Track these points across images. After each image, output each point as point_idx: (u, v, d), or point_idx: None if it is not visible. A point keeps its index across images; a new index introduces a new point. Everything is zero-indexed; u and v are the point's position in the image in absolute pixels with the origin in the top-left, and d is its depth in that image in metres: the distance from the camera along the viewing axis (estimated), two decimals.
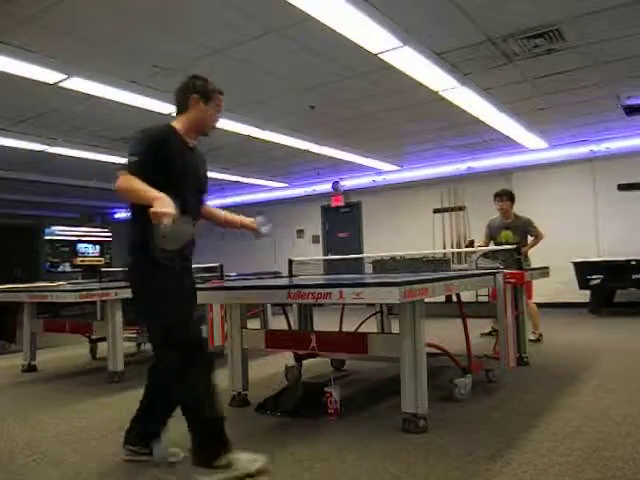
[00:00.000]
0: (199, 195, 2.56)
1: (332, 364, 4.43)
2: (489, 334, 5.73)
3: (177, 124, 2.42)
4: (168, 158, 2.26)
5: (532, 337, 5.35)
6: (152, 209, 1.94)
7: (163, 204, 1.95)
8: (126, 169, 2.14)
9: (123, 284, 4.13)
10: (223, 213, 2.87)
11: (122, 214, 14.40)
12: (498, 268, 4.08)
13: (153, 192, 2.02)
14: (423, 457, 2.36)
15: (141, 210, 2.03)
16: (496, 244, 5.56)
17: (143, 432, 2.46)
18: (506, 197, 5.61)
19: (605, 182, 8.34)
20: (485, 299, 5.97)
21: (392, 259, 5.26)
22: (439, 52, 4.59)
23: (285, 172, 10.11)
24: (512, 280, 3.76)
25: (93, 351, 5.48)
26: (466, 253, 7.11)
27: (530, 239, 5.58)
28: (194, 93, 2.41)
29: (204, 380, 2.24)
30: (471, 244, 6.51)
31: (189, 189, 2.39)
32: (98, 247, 13.41)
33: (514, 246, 4.61)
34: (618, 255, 7.56)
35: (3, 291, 5.15)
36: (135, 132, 2.29)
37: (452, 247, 9.74)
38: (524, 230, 5.53)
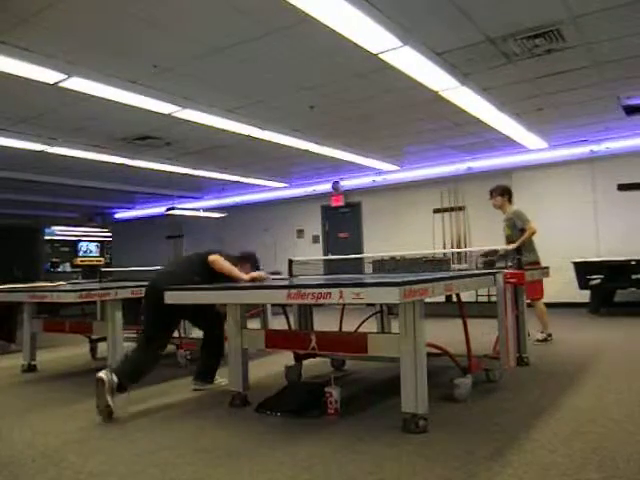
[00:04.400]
0: None
1: (332, 364, 4.43)
2: (544, 340, 5.56)
3: None
4: None
5: (540, 337, 5.31)
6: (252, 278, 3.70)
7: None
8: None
9: (123, 284, 4.14)
10: None
11: (122, 214, 14.42)
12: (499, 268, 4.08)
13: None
14: (423, 457, 2.36)
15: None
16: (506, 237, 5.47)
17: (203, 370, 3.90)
18: (495, 193, 5.54)
19: (605, 182, 8.34)
20: (485, 299, 5.97)
21: (392, 259, 5.26)
22: (439, 52, 4.59)
23: (285, 172, 10.11)
24: (512, 280, 3.76)
25: (93, 351, 5.49)
26: (465, 253, 7.11)
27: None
28: None
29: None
30: (489, 259, 6.16)
31: None
32: (98, 247, 13.41)
33: (513, 246, 4.61)
34: (618, 255, 7.57)
35: (3, 291, 5.15)
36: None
37: (452, 247, 9.74)
38: (513, 223, 5.40)
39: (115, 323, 4.21)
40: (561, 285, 7.83)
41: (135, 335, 5.45)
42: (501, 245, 5.50)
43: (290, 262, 4.84)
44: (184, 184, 10.73)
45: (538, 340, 5.28)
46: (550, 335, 5.37)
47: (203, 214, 11.79)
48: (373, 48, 4.28)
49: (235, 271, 3.65)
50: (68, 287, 4.88)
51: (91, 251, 13.27)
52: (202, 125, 6.35)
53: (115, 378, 3.18)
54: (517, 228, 5.32)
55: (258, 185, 11.01)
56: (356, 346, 3.00)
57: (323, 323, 4.15)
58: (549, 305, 5.63)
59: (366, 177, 10.36)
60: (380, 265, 4.89)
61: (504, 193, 5.56)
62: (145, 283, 3.81)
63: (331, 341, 3.22)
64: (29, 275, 10.61)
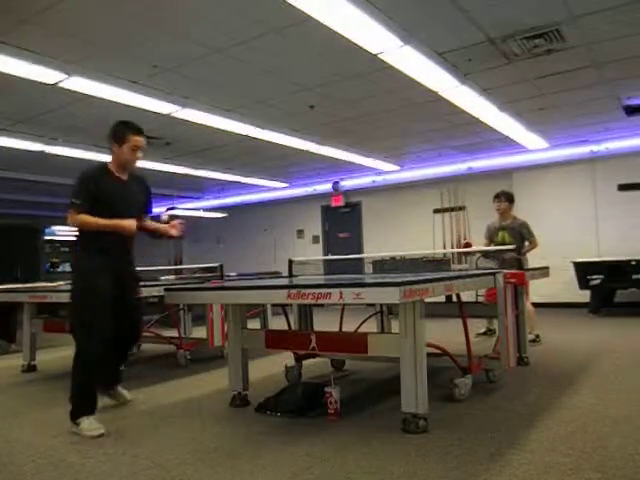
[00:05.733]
0: (132, 216, 3.13)
1: (332, 364, 4.43)
2: (484, 334, 5.74)
3: (110, 162, 3.15)
4: (98, 192, 3.00)
5: (528, 338, 5.32)
6: (124, 229, 3.00)
7: (129, 225, 3.00)
8: (73, 209, 2.95)
9: None
10: (150, 223, 3.41)
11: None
12: (493, 268, 4.08)
13: (114, 221, 2.97)
14: (423, 457, 2.36)
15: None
16: (495, 244, 5.54)
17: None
18: (504, 198, 5.61)
19: (605, 182, 8.34)
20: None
21: (392, 259, 5.27)
22: (439, 52, 4.59)
23: (285, 172, 10.11)
24: (512, 280, 3.76)
25: None
26: (465, 254, 7.12)
27: (527, 244, 5.52)
28: (112, 138, 3.11)
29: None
30: (467, 246, 6.48)
31: (122, 213, 3.05)
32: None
33: (513, 247, 4.61)
34: (618, 255, 7.57)
35: (3, 291, 5.15)
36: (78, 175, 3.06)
37: (452, 247, 9.74)
38: (520, 232, 5.48)
39: None
40: (561, 285, 7.84)
41: None
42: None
43: (290, 262, 4.84)
44: (184, 184, 10.73)
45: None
46: (538, 336, 5.37)
47: (203, 214, 11.79)
48: (373, 48, 4.28)
49: (100, 221, 2.97)
50: (68, 287, 4.87)
51: None
52: (202, 125, 6.35)
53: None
54: (519, 238, 5.42)
55: (258, 185, 11.01)
56: (356, 346, 3.00)
57: (323, 323, 4.15)
58: (549, 305, 5.64)
59: (366, 177, 10.35)
60: (380, 265, 4.90)
61: (511, 200, 5.66)
62: (145, 283, 3.81)
63: (331, 341, 3.22)
64: (29, 275, 10.61)
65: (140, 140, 3.10)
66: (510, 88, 5.62)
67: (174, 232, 3.33)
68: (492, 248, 5.37)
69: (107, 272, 3.02)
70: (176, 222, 3.36)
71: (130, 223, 2.98)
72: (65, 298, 4.16)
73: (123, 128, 3.10)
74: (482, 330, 5.75)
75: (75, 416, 2.91)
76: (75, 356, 2.96)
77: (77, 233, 3.11)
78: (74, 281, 3.15)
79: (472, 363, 3.41)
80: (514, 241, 5.36)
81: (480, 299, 5.95)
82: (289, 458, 2.43)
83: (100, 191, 3.00)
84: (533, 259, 5.54)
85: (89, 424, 2.89)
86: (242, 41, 4.26)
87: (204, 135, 6.94)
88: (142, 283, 3.60)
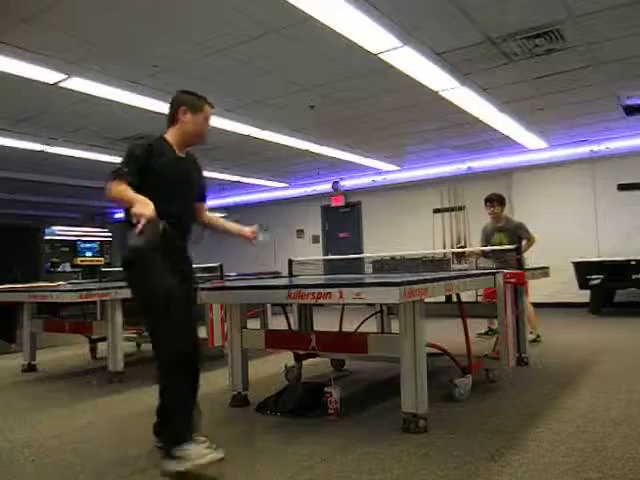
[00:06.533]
0: (191, 201, 2.67)
1: (332, 364, 4.43)
2: (486, 334, 5.74)
3: (168, 135, 2.59)
4: (155, 166, 2.42)
5: (529, 338, 5.33)
6: (132, 209, 2.13)
7: (142, 206, 2.13)
8: (116, 177, 2.32)
9: (123, 284, 4.11)
10: (221, 221, 3.02)
11: (122, 214, 14.40)
12: (492, 267, 4.08)
13: (136, 197, 2.20)
14: (423, 457, 2.36)
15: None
16: (491, 245, 5.57)
17: None
18: (497, 202, 5.67)
19: (605, 182, 8.34)
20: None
21: (392, 259, 5.26)
22: (439, 52, 4.59)
23: (285, 172, 10.11)
24: (512, 280, 3.76)
25: (93, 351, 5.48)
26: (462, 254, 7.13)
27: (524, 242, 5.57)
28: (184, 105, 2.56)
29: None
30: (462, 248, 6.47)
31: (178, 196, 2.52)
32: (98, 247, 13.40)
33: (513, 247, 4.61)
34: (618, 255, 7.57)
35: (3, 291, 5.15)
36: (132, 138, 2.43)
37: (452, 247, 9.73)
38: (516, 233, 5.51)
39: (115, 323, 4.21)
40: (561, 285, 7.83)
41: (135, 335, 5.46)
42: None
43: (290, 262, 4.83)
44: None
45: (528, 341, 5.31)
46: (539, 336, 5.40)
47: None
48: (373, 48, 4.28)
49: (129, 196, 2.25)
50: (68, 287, 4.88)
51: (91, 251, 13.26)
52: None
53: None
54: (516, 239, 5.42)
55: (258, 185, 11.00)
56: (356, 346, 3.00)
57: (323, 323, 4.15)
58: (549, 305, 5.64)
59: (366, 177, 10.35)
60: (380, 265, 4.89)
61: (503, 202, 5.69)
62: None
63: (331, 341, 3.22)
64: (29, 275, 10.60)
65: (210, 113, 2.64)
66: (510, 88, 5.62)
67: (251, 234, 2.90)
68: (492, 248, 5.38)
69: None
70: (251, 228, 2.94)
71: (145, 202, 2.15)
72: (65, 298, 4.19)
73: (197, 97, 2.59)
74: (483, 330, 5.75)
75: (177, 443, 2.19)
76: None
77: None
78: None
79: (472, 363, 3.41)
80: (511, 242, 5.38)
81: (480, 299, 5.95)
82: (289, 458, 2.44)
83: (157, 164, 2.43)
84: (533, 259, 5.54)
85: (199, 449, 2.21)
86: (242, 41, 4.26)
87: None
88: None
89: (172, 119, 2.59)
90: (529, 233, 5.54)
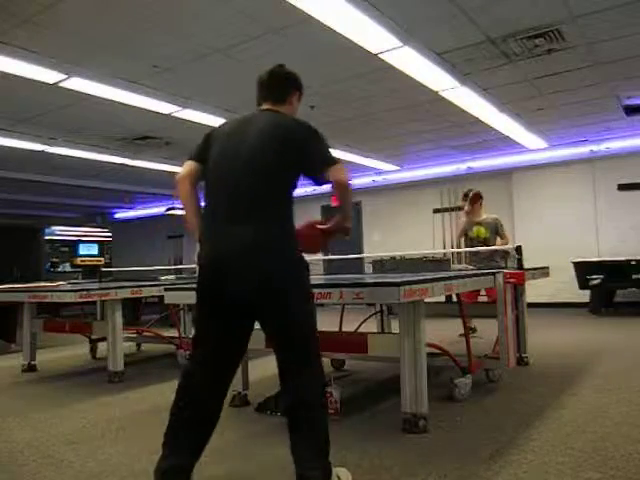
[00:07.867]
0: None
1: (332, 364, 4.43)
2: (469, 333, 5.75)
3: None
4: None
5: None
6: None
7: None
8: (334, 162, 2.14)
9: (123, 284, 4.12)
10: None
11: (122, 214, 14.42)
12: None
13: None
14: (423, 457, 2.36)
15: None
16: (469, 239, 5.81)
17: None
18: (481, 200, 5.82)
19: (605, 182, 8.35)
20: (485, 299, 5.96)
21: (392, 259, 5.26)
22: (439, 52, 4.59)
23: None
24: (512, 280, 3.76)
25: (93, 351, 5.48)
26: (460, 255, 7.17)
27: (498, 240, 5.70)
28: (299, 88, 2.31)
29: None
30: (466, 196, 6.19)
31: None
32: (98, 247, 13.41)
33: (514, 246, 4.61)
34: (618, 255, 7.57)
35: (3, 291, 5.15)
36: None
37: (452, 247, 9.73)
38: (494, 227, 5.71)
39: (115, 323, 4.21)
40: (561, 285, 7.83)
41: (135, 335, 5.46)
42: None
43: None
44: None
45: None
46: (474, 328, 5.56)
47: None
48: (373, 48, 4.28)
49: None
50: (68, 287, 4.87)
51: (91, 251, 13.25)
52: (202, 125, 6.35)
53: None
54: (493, 232, 5.69)
55: None
56: (356, 346, 3.00)
57: (323, 323, 4.14)
58: (549, 305, 5.65)
59: (366, 177, 10.36)
60: (380, 265, 4.89)
61: (481, 197, 5.86)
62: (145, 283, 3.78)
63: (331, 341, 3.21)
64: (29, 275, 10.61)
65: None
66: (510, 88, 5.62)
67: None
68: (486, 248, 5.44)
69: None
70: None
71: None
72: (65, 298, 4.18)
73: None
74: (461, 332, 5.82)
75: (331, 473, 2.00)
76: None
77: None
78: (307, 282, 2.19)
79: (472, 363, 3.40)
80: (489, 235, 5.61)
81: (480, 299, 5.95)
82: (289, 458, 2.43)
83: None
84: (533, 259, 5.53)
85: (345, 472, 2.11)
86: (242, 41, 4.26)
87: (204, 135, 6.94)
88: (142, 283, 3.57)
89: (282, 98, 2.24)
90: (504, 231, 5.71)
